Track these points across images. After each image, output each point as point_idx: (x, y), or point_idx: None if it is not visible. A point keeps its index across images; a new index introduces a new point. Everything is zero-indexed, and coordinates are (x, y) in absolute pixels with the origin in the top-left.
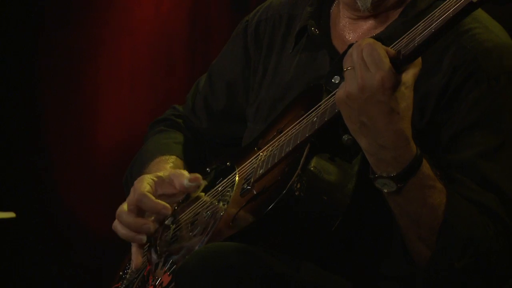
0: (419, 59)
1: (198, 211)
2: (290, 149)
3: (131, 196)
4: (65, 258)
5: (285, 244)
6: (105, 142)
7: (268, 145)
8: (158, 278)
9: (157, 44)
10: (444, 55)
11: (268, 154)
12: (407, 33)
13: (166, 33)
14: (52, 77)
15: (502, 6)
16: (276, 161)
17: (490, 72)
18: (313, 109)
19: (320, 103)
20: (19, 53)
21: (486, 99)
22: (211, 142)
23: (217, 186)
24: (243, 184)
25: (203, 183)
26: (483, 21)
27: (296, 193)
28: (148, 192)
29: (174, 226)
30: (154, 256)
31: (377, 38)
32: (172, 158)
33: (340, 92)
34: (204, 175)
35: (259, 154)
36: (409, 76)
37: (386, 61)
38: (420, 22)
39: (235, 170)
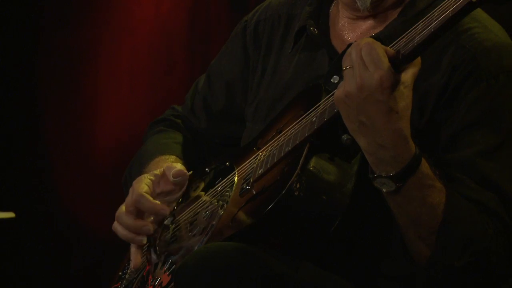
0: (419, 59)
1: (198, 211)
2: (290, 149)
3: (129, 197)
4: (64, 258)
5: (284, 244)
6: (105, 142)
7: (267, 145)
8: (157, 278)
9: (156, 44)
10: (443, 55)
11: (267, 154)
12: (406, 33)
13: (166, 33)
14: (52, 77)
15: (501, 5)
16: (275, 161)
17: (489, 71)
18: (312, 109)
19: (319, 103)
20: (19, 53)
21: (486, 98)
22: (210, 142)
23: (216, 186)
24: (243, 184)
25: (201, 180)
26: (482, 21)
27: (296, 193)
28: (146, 192)
29: (173, 226)
30: (153, 256)
31: (376, 37)
32: (172, 158)
33: (339, 92)
34: (203, 175)
35: (258, 154)
36: (408, 75)
37: (385, 60)
38: (420, 22)
39: (234, 170)
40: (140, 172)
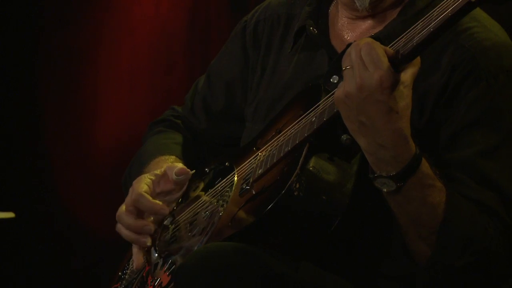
0: (418, 59)
1: (197, 211)
2: (289, 149)
3: (129, 197)
4: (64, 258)
5: (284, 244)
6: (105, 142)
7: (267, 145)
8: (157, 279)
9: (156, 44)
10: (443, 54)
11: (267, 154)
12: (406, 33)
13: (166, 33)
14: (52, 77)
15: (500, 5)
16: (275, 161)
17: (489, 71)
18: (312, 109)
19: (319, 103)
20: (19, 53)
21: (485, 98)
22: (210, 142)
23: (216, 186)
24: (242, 184)
25: (201, 180)
26: (482, 20)
27: (295, 193)
28: (146, 192)
29: (173, 226)
30: (153, 256)
31: (376, 37)
32: (172, 158)
33: (338, 92)
34: (203, 175)
35: (258, 154)
36: (408, 75)
37: (385, 60)
38: (419, 22)
39: (234, 170)
40: (139, 172)
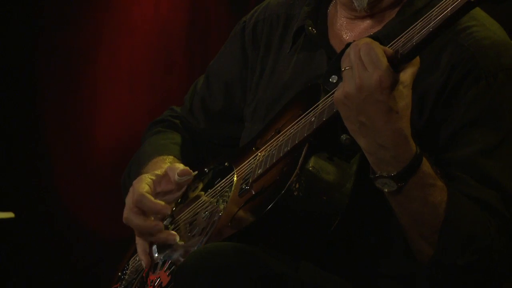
0: (417, 58)
1: (197, 211)
2: (289, 149)
3: (130, 197)
4: (64, 258)
5: (284, 244)
6: (104, 142)
7: (266, 145)
8: (157, 279)
9: (156, 44)
10: (442, 54)
11: (267, 154)
12: (405, 32)
13: (165, 33)
14: (52, 77)
15: (499, 5)
16: (274, 161)
17: (488, 70)
18: (311, 109)
19: (318, 102)
20: (19, 53)
21: (485, 97)
22: (208, 143)
23: (215, 186)
24: (242, 184)
25: (200, 180)
26: (481, 19)
27: (295, 193)
28: (147, 192)
29: (172, 227)
30: (153, 257)
31: (375, 37)
32: (170, 158)
33: (338, 92)
34: (202, 175)
35: (257, 154)
36: (407, 75)
37: (384, 60)
38: (418, 21)
39: (233, 170)
40: (138, 172)
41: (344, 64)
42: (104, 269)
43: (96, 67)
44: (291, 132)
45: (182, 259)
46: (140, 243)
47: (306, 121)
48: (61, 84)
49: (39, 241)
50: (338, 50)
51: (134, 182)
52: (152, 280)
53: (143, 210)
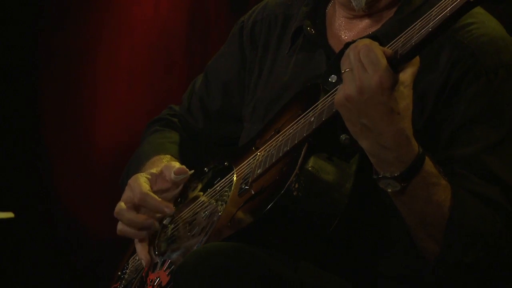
0: (417, 58)
1: (196, 211)
2: (288, 149)
3: (128, 195)
4: (64, 258)
5: (283, 244)
6: (104, 142)
7: (266, 145)
8: (156, 278)
9: (155, 44)
10: (441, 52)
11: (266, 154)
12: (404, 32)
13: (165, 33)
14: (51, 77)
15: (499, 5)
16: (274, 161)
17: (488, 66)
18: (311, 108)
19: (318, 102)
20: (19, 53)
21: (485, 94)
22: (207, 142)
23: (215, 186)
24: (241, 184)
25: (199, 180)
26: (479, 16)
27: (294, 193)
28: (149, 191)
29: (172, 226)
30: (152, 256)
31: (374, 36)
32: (167, 158)
33: (339, 95)
34: (202, 175)
35: (256, 154)
36: (407, 75)
37: (383, 61)
38: (417, 21)
39: (233, 169)
40: (137, 173)
41: (344, 66)
42: (104, 268)
43: (96, 67)
44: (291, 132)
45: (181, 259)
46: (139, 243)
47: (305, 121)
48: (61, 84)
49: (39, 241)
50: (337, 50)
51: (130, 181)
52: (152, 280)
53: (147, 208)
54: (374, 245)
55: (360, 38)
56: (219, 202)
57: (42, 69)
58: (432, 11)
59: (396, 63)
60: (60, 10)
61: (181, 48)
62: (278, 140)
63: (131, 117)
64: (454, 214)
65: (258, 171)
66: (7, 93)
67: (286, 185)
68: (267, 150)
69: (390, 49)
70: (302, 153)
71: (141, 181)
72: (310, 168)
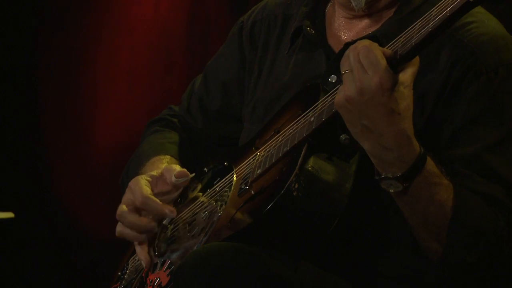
0: (417, 58)
1: (196, 211)
2: (288, 149)
3: (129, 197)
4: (63, 258)
5: (283, 244)
6: (104, 142)
7: (266, 145)
8: (156, 279)
9: (155, 44)
10: (441, 51)
11: (266, 154)
12: (404, 33)
13: (165, 33)
14: (51, 77)
15: (498, 5)
16: (273, 161)
17: (489, 65)
18: (310, 108)
19: (317, 102)
20: (19, 53)
21: (486, 93)
22: (206, 142)
23: (214, 186)
24: (241, 184)
25: (199, 180)
26: (479, 15)
27: (294, 193)
28: (151, 195)
29: (172, 227)
30: (152, 256)
31: (373, 36)
32: (167, 158)
33: (339, 96)
34: (202, 175)
35: (256, 154)
36: (407, 75)
37: (383, 62)
38: (417, 22)
39: (233, 170)
40: (136, 173)
41: (344, 68)
42: (103, 269)
43: (96, 67)
44: (290, 132)
45: (181, 259)
46: (139, 244)
47: (305, 121)
48: (61, 84)
49: (39, 241)
50: (337, 50)
51: (130, 183)
52: (152, 280)
53: (149, 211)
54: (374, 245)
55: (360, 38)
56: (219, 203)
57: (42, 69)
58: (432, 11)
59: (396, 64)
60: (60, 10)
61: (181, 48)
62: (278, 140)
63: (131, 117)
64: (456, 213)
65: (258, 171)
66: (7, 93)
67: (286, 185)
68: (267, 150)
69: (390, 49)
70: (302, 153)
71: (142, 184)
72: (310, 168)
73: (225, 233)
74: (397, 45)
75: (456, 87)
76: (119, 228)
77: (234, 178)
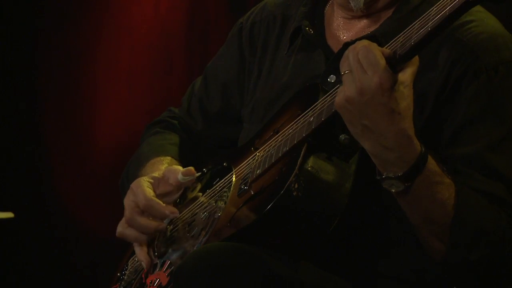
0: (416, 57)
1: (196, 211)
2: (287, 149)
3: (132, 199)
4: (63, 258)
5: (283, 244)
6: (104, 142)
7: (265, 145)
8: (156, 279)
9: (155, 44)
10: (440, 50)
11: (265, 154)
12: (403, 32)
13: (165, 33)
14: (51, 77)
15: (498, 5)
16: (273, 161)
17: (488, 64)
18: (310, 108)
19: (317, 102)
20: (19, 53)
21: (486, 91)
22: (206, 144)
23: (214, 187)
24: (241, 184)
25: (198, 181)
26: (478, 14)
27: (294, 193)
28: (154, 197)
29: (171, 227)
30: (152, 257)
31: (372, 36)
32: (167, 159)
33: (339, 97)
34: (201, 175)
35: (256, 154)
36: (407, 75)
37: (382, 62)
38: (416, 21)
39: (232, 170)
40: (136, 174)
41: (343, 68)
42: (103, 269)
43: (96, 67)
44: (290, 132)
45: (181, 260)
46: (138, 244)
47: (304, 121)
48: (61, 84)
49: (38, 241)
50: (336, 50)
51: (132, 185)
52: (152, 281)
53: (152, 214)
54: (374, 245)
55: (359, 38)
56: (219, 203)
57: (42, 69)
58: (431, 10)
59: (395, 63)
60: (60, 10)
61: (181, 48)
62: (277, 140)
63: (131, 117)
64: (458, 212)
65: (258, 172)
66: (7, 93)
67: (286, 185)
68: (266, 150)
69: (389, 49)
70: (302, 153)
71: (144, 186)
72: (309, 168)
73: (225, 233)
74: (396, 44)
75: (456, 86)
76: (120, 228)
77: (234, 179)
